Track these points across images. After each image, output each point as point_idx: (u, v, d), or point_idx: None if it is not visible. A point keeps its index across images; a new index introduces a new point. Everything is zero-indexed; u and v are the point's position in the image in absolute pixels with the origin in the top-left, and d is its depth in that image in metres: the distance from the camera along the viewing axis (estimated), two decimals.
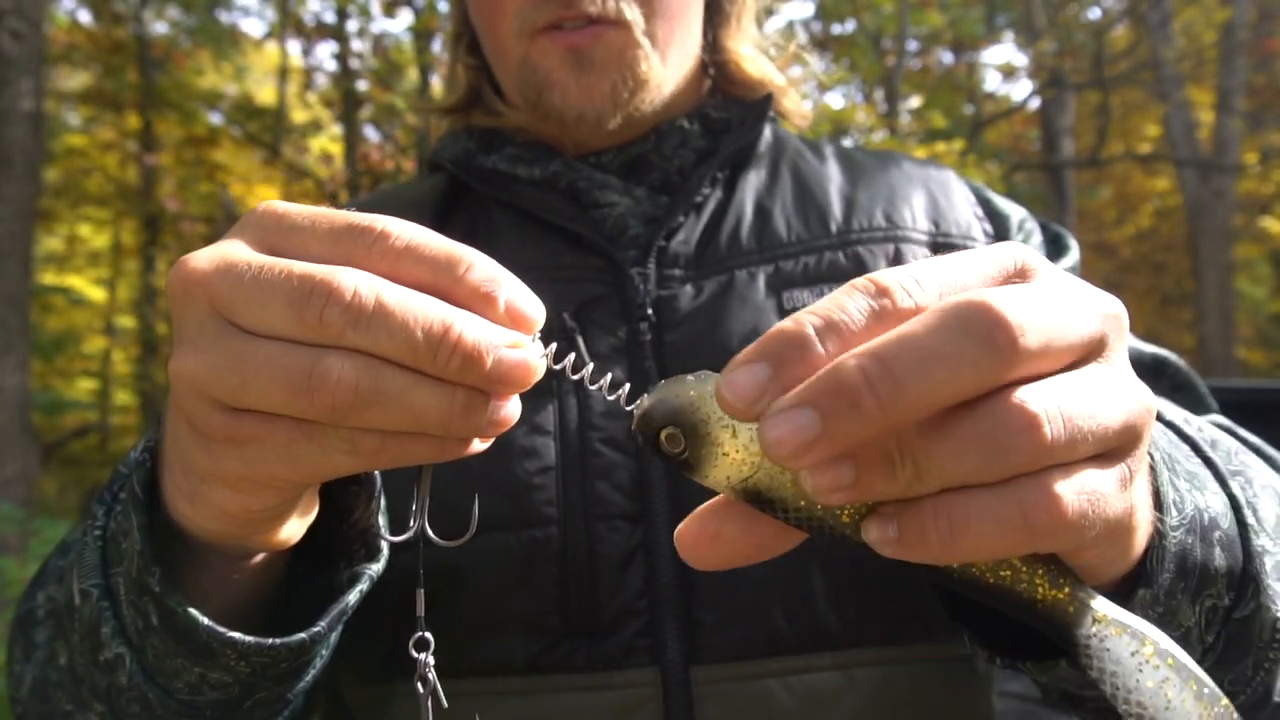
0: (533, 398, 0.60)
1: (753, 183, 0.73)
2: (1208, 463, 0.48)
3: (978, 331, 0.30)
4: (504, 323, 0.36)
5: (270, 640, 0.46)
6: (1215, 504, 0.44)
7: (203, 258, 0.37)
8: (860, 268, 0.67)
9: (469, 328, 0.35)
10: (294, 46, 10.90)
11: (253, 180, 11.38)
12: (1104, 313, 0.34)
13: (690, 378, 0.35)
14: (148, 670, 0.47)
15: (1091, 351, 0.34)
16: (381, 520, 0.51)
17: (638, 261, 0.67)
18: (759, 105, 0.75)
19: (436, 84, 10.28)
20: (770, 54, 0.81)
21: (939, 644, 0.63)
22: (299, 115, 11.14)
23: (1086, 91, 9.30)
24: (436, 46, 9.88)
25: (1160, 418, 0.49)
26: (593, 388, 0.39)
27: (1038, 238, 0.74)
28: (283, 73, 10.82)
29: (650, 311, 0.65)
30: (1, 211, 3.97)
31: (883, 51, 8.67)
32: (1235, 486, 0.47)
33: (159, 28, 9.71)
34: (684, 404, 0.35)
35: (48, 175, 7.75)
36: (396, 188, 0.86)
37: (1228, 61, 9.38)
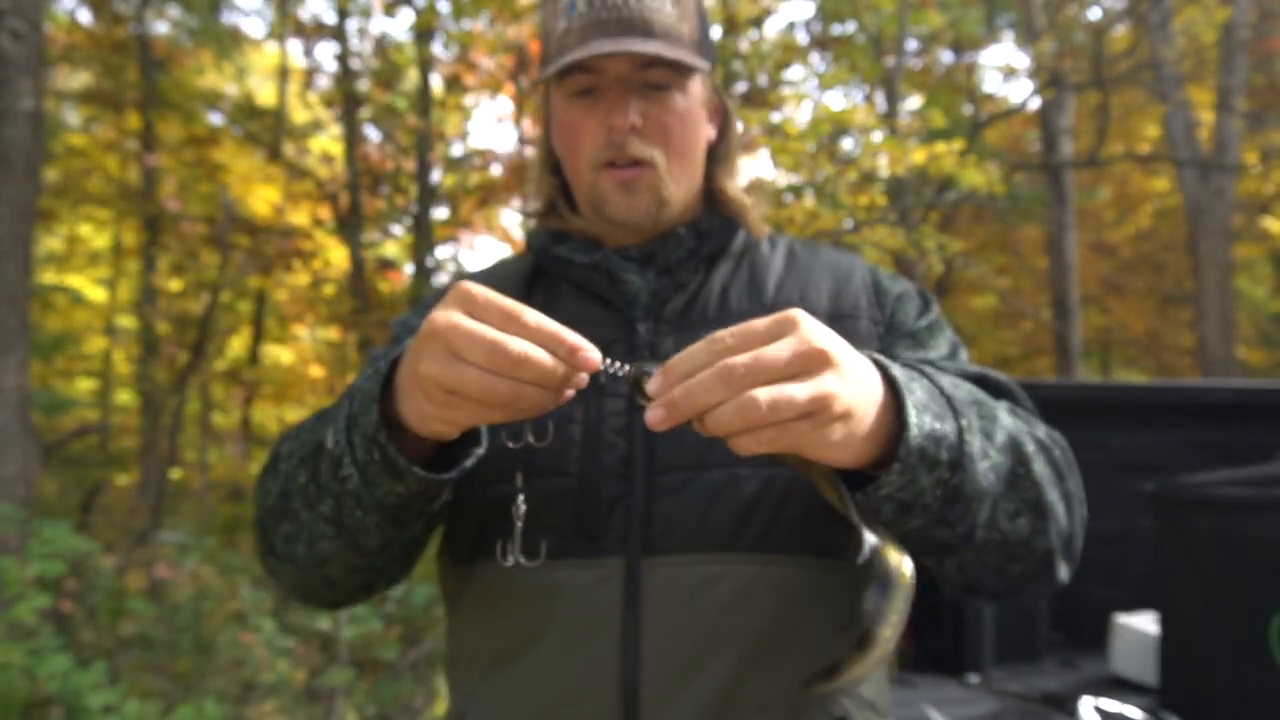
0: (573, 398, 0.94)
1: (722, 272, 1.12)
2: (949, 403, 0.81)
3: (710, 343, 0.69)
4: (573, 362, 0.73)
5: (435, 474, 0.83)
6: (947, 427, 0.79)
7: (443, 318, 0.72)
8: None
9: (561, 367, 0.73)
10: (294, 46, 10.93)
11: (253, 180, 11.39)
12: (782, 325, 0.68)
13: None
14: (366, 482, 0.84)
15: (787, 351, 0.68)
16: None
17: (643, 320, 1.06)
18: (730, 223, 1.13)
19: (436, 84, 10.27)
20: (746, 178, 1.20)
21: (833, 560, 0.97)
22: (299, 115, 11.15)
23: (1086, 91, 9.30)
24: (437, 46, 9.87)
25: (932, 380, 0.83)
26: (610, 367, 0.75)
27: (913, 301, 1.12)
28: (283, 73, 10.82)
29: (647, 353, 1.05)
30: (1, 211, 3.97)
31: (883, 51, 8.68)
32: (964, 420, 0.81)
33: (160, 27, 9.71)
34: (654, 365, 0.72)
35: (48, 175, 7.76)
36: (500, 264, 1.24)
37: (1228, 61, 9.39)
